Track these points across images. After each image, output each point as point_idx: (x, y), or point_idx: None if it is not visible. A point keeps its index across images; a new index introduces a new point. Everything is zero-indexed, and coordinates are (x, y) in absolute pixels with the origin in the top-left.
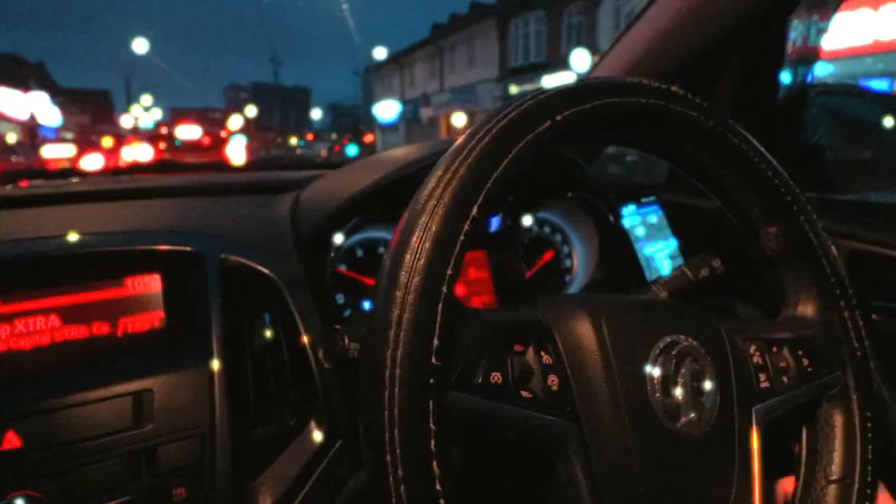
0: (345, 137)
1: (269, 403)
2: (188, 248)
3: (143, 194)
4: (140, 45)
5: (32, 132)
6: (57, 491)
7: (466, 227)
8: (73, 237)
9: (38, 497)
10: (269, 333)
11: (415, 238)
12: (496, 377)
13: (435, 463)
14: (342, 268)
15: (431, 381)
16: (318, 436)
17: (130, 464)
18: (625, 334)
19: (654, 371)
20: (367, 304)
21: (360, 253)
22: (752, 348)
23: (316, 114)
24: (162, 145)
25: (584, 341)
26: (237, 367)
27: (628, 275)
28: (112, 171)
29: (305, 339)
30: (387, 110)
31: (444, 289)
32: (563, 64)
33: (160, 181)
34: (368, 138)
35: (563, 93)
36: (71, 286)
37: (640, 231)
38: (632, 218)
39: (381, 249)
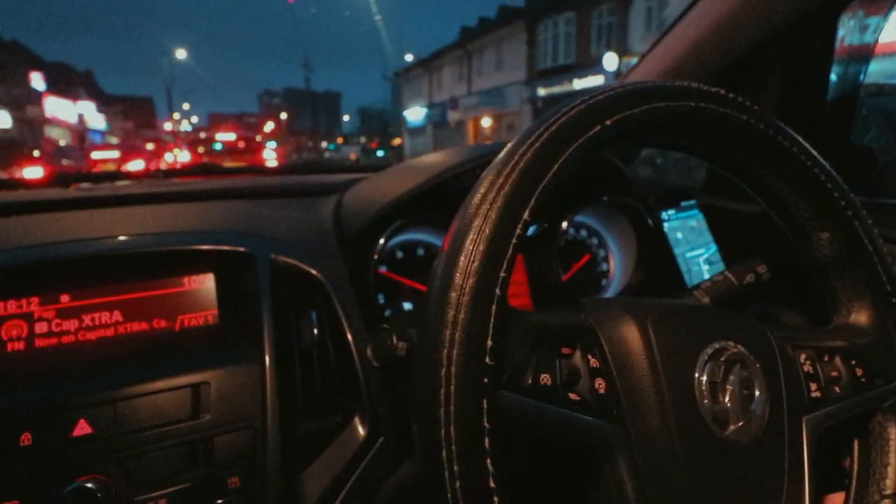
0: (373, 141)
1: (315, 399)
2: (241, 249)
3: (193, 197)
4: (181, 54)
5: (81, 137)
6: (123, 476)
7: (518, 230)
8: (133, 237)
9: (106, 481)
10: (315, 331)
11: (469, 241)
12: (545, 379)
13: (489, 461)
14: (382, 269)
15: (485, 380)
16: (361, 432)
17: (189, 453)
18: (672, 339)
19: (701, 377)
20: (406, 305)
21: (399, 255)
22: (803, 357)
23: (346, 118)
24: (200, 149)
25: (631, 345)
26: (286, 364)
27: (667, 280)
28: (154, 174)
29: (350, 337)
30: (415, 113)
31: (498, 291)
32: (591, 65)
33: (207, 184)
34: (396, 141)
35: (613, 97)
36: (132, 283)
37: (679, 235)
38: (671, 222)
39: (421, 251)
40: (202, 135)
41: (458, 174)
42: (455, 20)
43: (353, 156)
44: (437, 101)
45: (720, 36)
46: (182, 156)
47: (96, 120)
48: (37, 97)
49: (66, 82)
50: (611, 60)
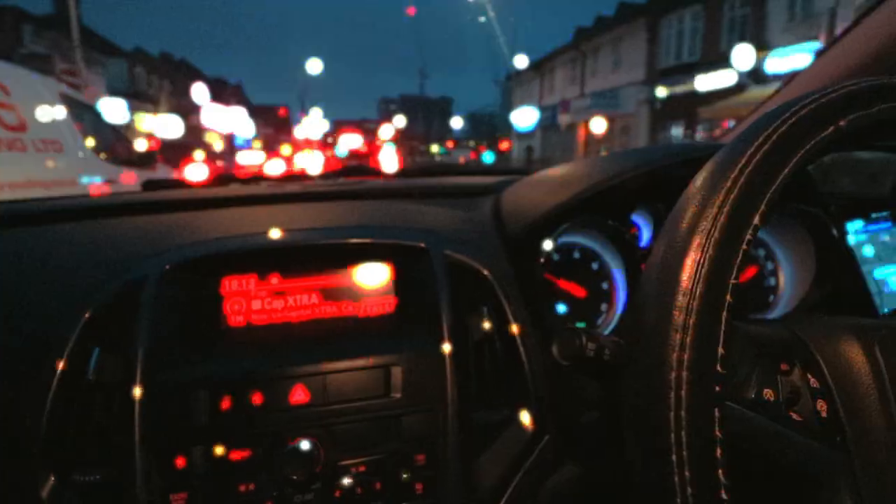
0: (481, 145)
1: (485, 391)
2: (420, 245)
3: (359, 195)
4: (312, 66)
5: (230, 141)
6: (331, 441)
7: (749, 236)
8: (326, 230)
9: (317, 444)
10: (486, 325)
11: (696, 245)
12: (768, 394)
13: (721, 472)
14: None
15: (717, 389)
16: (528, 427)
17: (382, 427)
18: None
19: None
20: (560, 307)
21: (556, 257)
22: None
23: (456, 122)
24: (329, 153)
25: (856, 368)
26: (460, 355)
27: (852, 299)
28: (317, 175)
29: (517, 335)
30: (524, 117)
31: (729, 297)
32: (718, 62)
33: (369, 185)
34: (504, 146)
35: (846, 95)
36: (325, 271)
37: (867, 250)
38: (858, 235)
39: (576, 254)
40: (330, 139)
41: (636, 177)
42: (570, 21)
43: (462, 160)
44: (547, 104)
45: None
46: (316, 158)
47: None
48: (198, 107)
49: (221, 94)
50: (743, 55)
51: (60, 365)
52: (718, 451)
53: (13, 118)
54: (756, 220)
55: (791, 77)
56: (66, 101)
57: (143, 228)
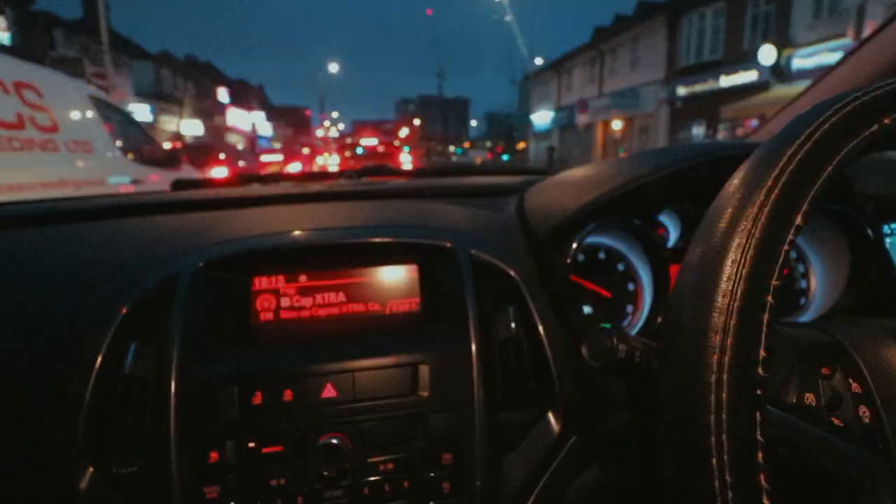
0: (498, 146)
1: (511, 392)
2: (447, 244)
3: (383, 195)
4: (332, 68)
5: (252, 142)
6: (359, 438)
7: (791, 236)
8: (354, 229)
9: (346, 440)
10: (512, 326)
11: (737, 246)
12: (809, 399)
13: (763, 477)
14: None
15: (758, 392)
16: (555, 428)
17: (409, 425)
18: None
19: None
20: (585, 309)
21: (580, 258)
22: None
23: (473, 123)
24: (347, 153)
25: None
26: (486, 355)
27: (888, 303)
28: (340, 175)
29: (543, 336)
30: (542, 117)
31: (770, 298)
32: (742, 60)
33: (393, 185)
34: (520, 146)
35: (892, 93)
36: (351, 269)
37: None
38: (894, 237)
39: (601, 255)
40: (348, 140)
41: (662, 178)
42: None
43: (478, 160)
44: (565, 104)
45: None
46: (332, 159)
47: (265, 127)
48: (221, 109)
49: (243, 95)
50: (767, 54)
51: (98, 358)
52: (760, 456)
53: (47, 120)
54: (798, 220)
55: (823, 74)
56: (96, 103)
57: (176, 227)
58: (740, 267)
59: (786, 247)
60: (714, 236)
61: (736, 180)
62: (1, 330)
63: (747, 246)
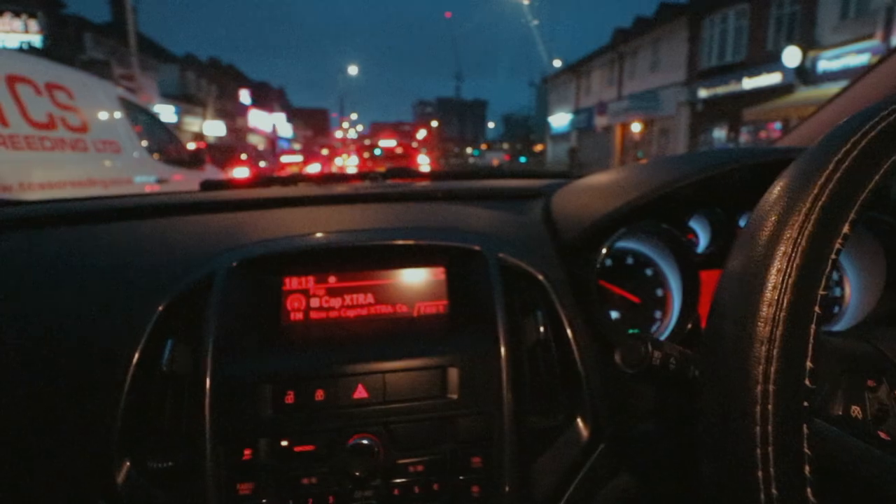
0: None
1: (540, 396)
2: (475, 247)
3: (408, 197)
4: (352, 70)
5: (273, 143)
6: (389, 439)
7: (838, 245)
8: (383, 230)
9: (377, 441)
10: (541, 330)
11: (782, 254)
12: (856, 411)
13: (810, 490)
14: None
15: (805, 404)
16: (584, 434)
17: (438, 427)
18: None
19: None
20: (613, 314)
21: (608, 262)
22: None
23: (491, 125)
24: (366, 154)
25: None
26: (515, 359)
27: None
28: (340, 177)
29: (572, 341)
30: (560, 119)
31: (817, 308)
32: (765, 62)
33: (418, 187)
34: (537, 148)
35: None
36: (380, 271)
37: None
38: None
39: (629, 260)
40: (367, 141)
41: (693, 183)
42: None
43: (495, 161)
44: (583, 106)
45: None
46: (350, 160)
47: (286, 128)
48: (243, 110)
49: (264, 97)
50: (792, 55)
51: (136, 356)
52: (808, 469)
53: (76, 120)
54: (846, 228)
55: (856, 78)
56: (124, 104)
57: (208, 227)
58: (786, 276)
59: (833, 256)
60: (758, 245)
61: (779, 188)
62: (40, 327)
63: (793, 255)
